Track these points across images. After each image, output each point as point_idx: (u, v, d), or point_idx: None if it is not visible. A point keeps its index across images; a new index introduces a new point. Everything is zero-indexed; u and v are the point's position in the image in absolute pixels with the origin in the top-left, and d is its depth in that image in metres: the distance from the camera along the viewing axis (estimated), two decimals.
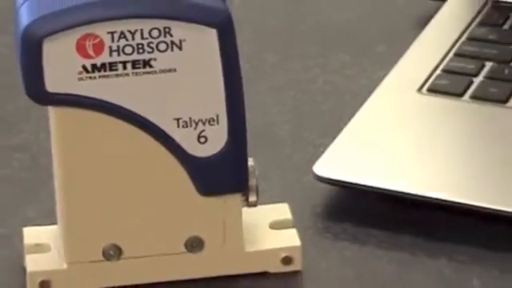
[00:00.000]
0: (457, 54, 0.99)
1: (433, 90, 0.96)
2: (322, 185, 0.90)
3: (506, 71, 0.97)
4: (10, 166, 0.93)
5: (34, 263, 0.83)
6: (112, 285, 0.83)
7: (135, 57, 0.79)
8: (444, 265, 0.85)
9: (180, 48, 0.79)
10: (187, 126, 0.81)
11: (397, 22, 1.07)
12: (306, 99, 0.99)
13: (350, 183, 0.89)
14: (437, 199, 0.87)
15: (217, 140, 0.81)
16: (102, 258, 0.83)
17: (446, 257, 0.86)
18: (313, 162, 0.90)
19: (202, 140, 0.81)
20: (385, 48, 1.03)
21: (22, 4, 0.80)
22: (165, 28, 0.79)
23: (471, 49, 1.00)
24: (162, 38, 0.79)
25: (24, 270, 0.83)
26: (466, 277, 0.84)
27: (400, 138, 0.93)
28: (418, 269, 0.85)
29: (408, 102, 0.96)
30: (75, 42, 0.78)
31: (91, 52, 0.79)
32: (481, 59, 0.98)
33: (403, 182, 0.89)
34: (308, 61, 1.03)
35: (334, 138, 0.92)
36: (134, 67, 0.79)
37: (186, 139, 0.81)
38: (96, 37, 0.78)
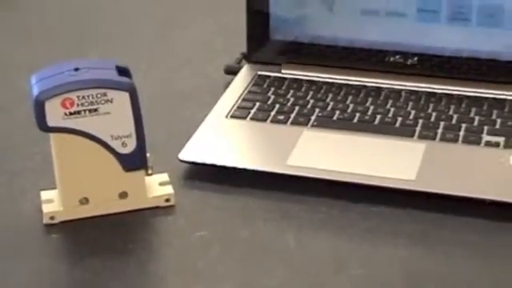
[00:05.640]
0: (243, 99, 0.96)
1: (233, 116, 0.93)
2: (184, 164, 0.87)
3: (265, 106, 0.94)
4: (33, 161, 0.90)
5: (46, 208, 0.82)
6: (84, 216, 0.81)
7: (90, 107, 0.78)
8: (245, 200, 0.83)
9: (111, 102, 0.78)
10: (117, 139, 0.80)
11: (214, 85, 1.01)
12: (176, 125, 0.95)
13: (199, 163, 0.87)
14: (245, 168, 0.85)
15: (131, 145, 0.80)
16: (78, 204, 0.81)
17: (251, 195, 0.83)
18: (178, 152, 0.87)
19: (124, 145, 0.80)
20: (208, 98, 0.97)
21: (34, 84, 0.79)
22: (103, 93, 0.78)
23: (250, 97, 0.96)
24: (102, 98, 0.78)
25: (41, 211, 0.81)
26: (258, 211, 0.81)
27: (222, 138, 0.90)
28: (237, 201, 0.83)
29: (222, 122, 0.93)
30: (60, 102, 0.78)
31: (68, 106, 0.78)
32: (254, 101, 0.95)
33: (229, 160, 0.86)
34: (173, 109, 0.98)
35: (187, 141, 0.89)
36: (89, 112, 0.78)
37: (116, 145, 0.80)
38: (71, 99, 0.78)
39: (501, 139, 0.86)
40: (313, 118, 0.92)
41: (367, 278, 0.73)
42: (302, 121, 0.92)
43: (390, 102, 0.94)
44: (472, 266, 0.74)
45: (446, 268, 0.73)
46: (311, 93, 0.97)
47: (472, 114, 0.91)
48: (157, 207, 0.83)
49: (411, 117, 0.91)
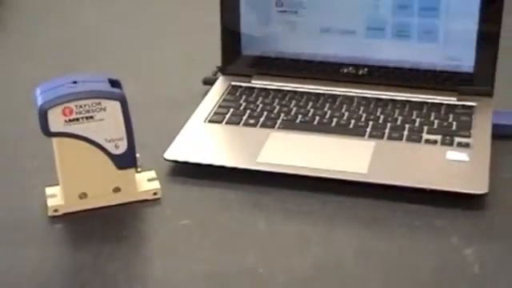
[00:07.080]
0: (219, 106, 0.96)
1: (210, 121, 0.93)
2: (169, 162, 0.87)
3: (238, 111, 0.94)
4: (38, 162, 0.89)
5: (50, 202, 0.82)
6: (83, 208, 0.81)
7: (87, 114, 0.78)
8: (222, 193, 0.84)
9: (105, 110, 0.78)
10: (110, 142, 0.80)
11: (193, 94, 1.01)
12: (161, 129, 0.93)
13: (182, 161, 0.86)
14: (221, 165, 0.85)
15: (123, 146, 0.80)
16: (78, 198, 0.81)
17: (227, 189, 0.84)
18: (163, 152, 0.87)
19: (117, 147, 0.80)
20: (188, 106, 0.96)
21: (38, 95, 0.78)
22: (98, 102, 0.78)
23: (225, 104, 0.96)
24: (97, 106, 0.78)
25: (46, 205, 0.81)
26: (233, 202, 0.82)
27: (201, 139, 0.90)
28: (215, 193, 0.84)
29: (201, 126, 0.93)
30: (61, 110, 0.77)
31: (68, 114, 0.78)
32: (228, 108, 0.95)
33: (208, 158, 0.86)
34: (158, 115, 0.97)
35: (171, 142, 0.89)
36: (86, 119, 0.78)
37: (110, 147, 0.80)
38: (70, 107, 0.77)
39: (438, 137, 0.88)
40: (279, 121, 0.93)
41: (327, 255, 0.74)
42: (269, 124, 0.92)
43: (345, 106, 0.95)
44: (414, 246, 0.75)
45: (392, 247, 0.75)
46: (277, 100, 0.97)
47: (414, 117, 0.92)
48: (146, 200, 0.83)
49: (362, 119, 0.92)
